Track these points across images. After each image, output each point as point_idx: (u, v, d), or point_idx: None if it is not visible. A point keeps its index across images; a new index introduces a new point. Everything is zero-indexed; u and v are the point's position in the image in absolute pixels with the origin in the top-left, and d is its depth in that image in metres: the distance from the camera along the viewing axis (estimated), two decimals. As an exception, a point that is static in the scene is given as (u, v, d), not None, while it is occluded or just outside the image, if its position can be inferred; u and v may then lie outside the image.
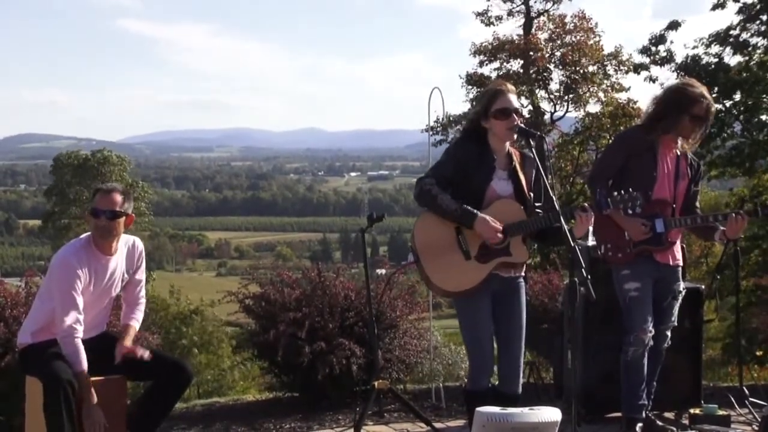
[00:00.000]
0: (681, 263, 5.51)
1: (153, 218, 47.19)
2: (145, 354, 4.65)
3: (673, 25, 19.58)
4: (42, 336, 4.53)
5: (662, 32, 19.65)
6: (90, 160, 41.82)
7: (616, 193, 4.59)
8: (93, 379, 4.45)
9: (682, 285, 5.52)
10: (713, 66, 18.38)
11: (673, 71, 19.12)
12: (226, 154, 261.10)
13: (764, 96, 18.41)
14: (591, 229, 5.62)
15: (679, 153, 5.41)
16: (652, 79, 19.81)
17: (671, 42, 19.58)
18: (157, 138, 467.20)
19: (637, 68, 20.41)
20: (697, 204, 5.60)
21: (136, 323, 4.87)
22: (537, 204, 4.59)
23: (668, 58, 19.42)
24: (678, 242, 5.50)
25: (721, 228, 5.34)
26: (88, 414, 4.38)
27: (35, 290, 5.82)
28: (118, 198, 4.59)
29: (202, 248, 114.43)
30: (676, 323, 5.53)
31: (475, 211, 4.44)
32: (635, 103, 24.04)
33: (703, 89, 5.32)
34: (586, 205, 4.54)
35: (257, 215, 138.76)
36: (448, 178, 4.55)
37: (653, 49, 19.69)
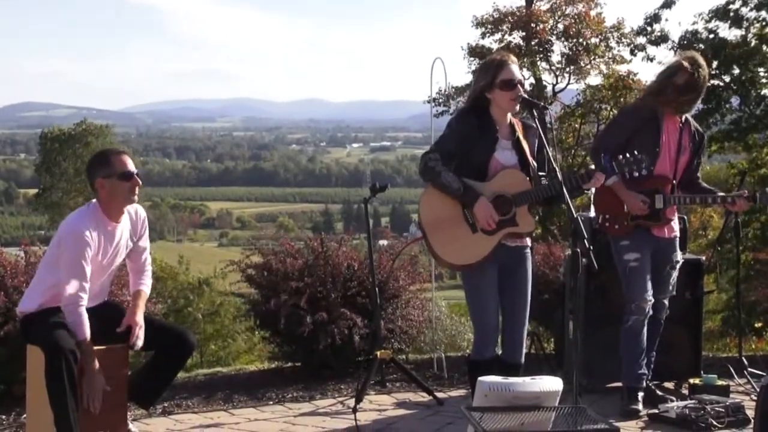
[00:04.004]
0: (677, 234, 5.56)
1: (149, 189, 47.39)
2: (138, 342, 4.62)
3: (668, 4, 19.52)
4: (47, 306, 4.52)
5: (656, 11, 19.62)
6: (73, 130, 42.18)
7: (621, 157, 4.61)
8: (95, 348, 4.44)
9: (679, 255, 5.57)
10: (710, 41, 18.34)
11: (670, 49, 19.10)
12: (228, 124, 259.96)
13: (760, 68, 18.37)
14: (592, 199, 5.66)
15: (681, 125, 5.42)
16: (650, 59, 19.84)
17: (666, 20, 19.59)
18: (158, 107, 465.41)
19: (634, 50, 20.44)
20: (699, 176, 5.62)
21: (146, 288, 4.85)
22: (541, 173, 4.60)
23: (663, 38, 19.38)
24: (675, 217, 5.54)
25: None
26: (89, 381, 4.39)
27: (34, 259, 5.82)
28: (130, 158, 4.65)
29: (203, 218, 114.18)
30: (674, 293, 5.58)
31: (478, 192, 4.46)
32: (635, 75, 23.96)
33: (691, 60, 5.29)
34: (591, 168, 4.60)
35: (259, 186, 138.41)
36: (452, 151, 4.57)
37: (649, 29, 19.66)
